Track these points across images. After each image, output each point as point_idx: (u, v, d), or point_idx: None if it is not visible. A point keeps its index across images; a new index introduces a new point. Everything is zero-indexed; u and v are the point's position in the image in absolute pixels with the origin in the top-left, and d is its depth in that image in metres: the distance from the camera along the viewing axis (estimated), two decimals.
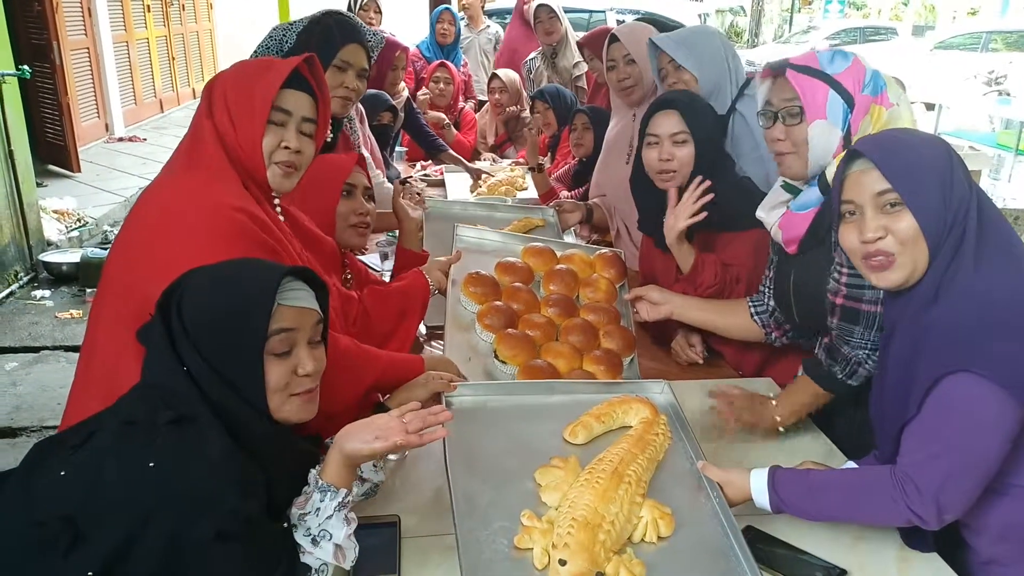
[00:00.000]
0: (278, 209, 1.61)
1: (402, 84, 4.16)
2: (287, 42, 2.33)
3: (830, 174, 1.65)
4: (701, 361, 2.15)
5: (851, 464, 1.57)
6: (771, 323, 1.99)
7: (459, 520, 1.30)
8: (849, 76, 1.65)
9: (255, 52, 2.39)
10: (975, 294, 1.28)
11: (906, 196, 1.31)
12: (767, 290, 1.99)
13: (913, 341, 1.34)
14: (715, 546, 1.34)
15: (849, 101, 1.64)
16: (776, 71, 1.73)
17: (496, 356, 1.95)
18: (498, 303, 2.10)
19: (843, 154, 1.47)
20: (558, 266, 2.30)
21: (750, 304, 2.02)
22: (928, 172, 1.32)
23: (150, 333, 1.20)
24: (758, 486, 1.41)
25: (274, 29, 2.42)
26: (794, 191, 1.79)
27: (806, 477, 1.42)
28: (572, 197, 3.31)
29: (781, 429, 1.77)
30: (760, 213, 1.89)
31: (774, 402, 1.79)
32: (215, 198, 1.44)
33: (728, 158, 2.24)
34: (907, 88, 1.74)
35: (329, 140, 2.25)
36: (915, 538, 1.42)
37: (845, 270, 1.65)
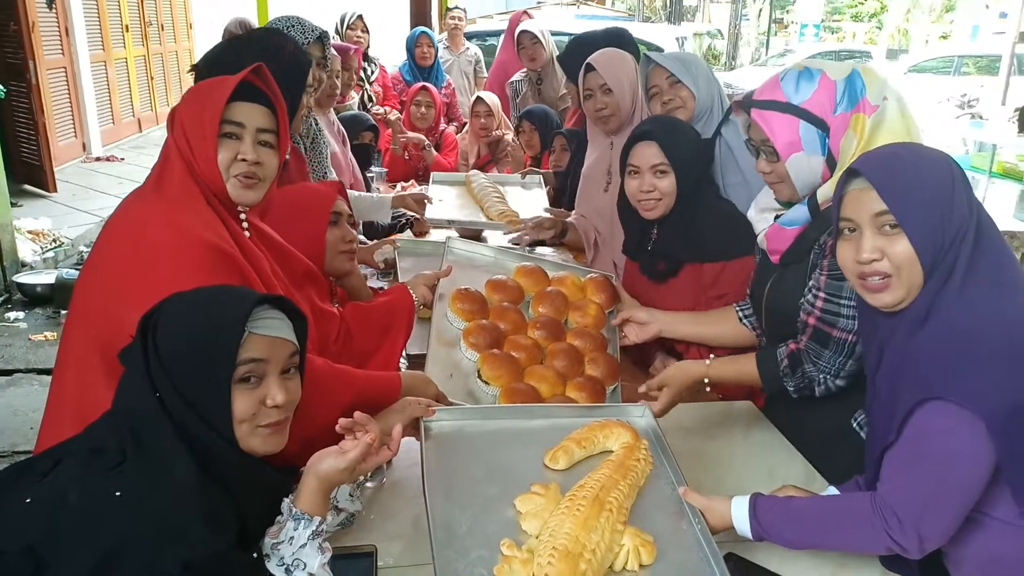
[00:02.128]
0: (244, 225, 1.59)
1: (371, 93, 4.18)
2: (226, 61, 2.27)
3: (821, 194, 1.67)
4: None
5: (832, 490, 1.56)
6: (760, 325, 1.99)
7: (437, 550, 1.28)
8: (817, 100, 1.64)
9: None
10: (956, 321, 1.27)
11: (903, 219, 1.29)
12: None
13: (898, 365, 1.33)
14: (697, 574, 1.33)
15: (822, 126, 1.64)
16: (744, 108, 1.73)
17: (479, 376, 1.93)
18: (485, 322, 2.08)
19: (840, 172, 1.47)
20: (549, 288, 2.29)
21: (737, 309, 2.02)
22: (927, 194, 1.29)
23: (131, 356, 1.18)
24: (739, 514, 1.40)
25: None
26: (786, 204, 1.79)
27: (787, 505, 1.41)
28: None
29: (707, 388, 1.87)
30: (750, 213, 1.90)
31: (709, 359, 1.86)
32: (183, 225, 1.42)
33: (712, 184, 2.26)
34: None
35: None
36: (897, 565, 1.41)
37: (822, 294, 1.66)
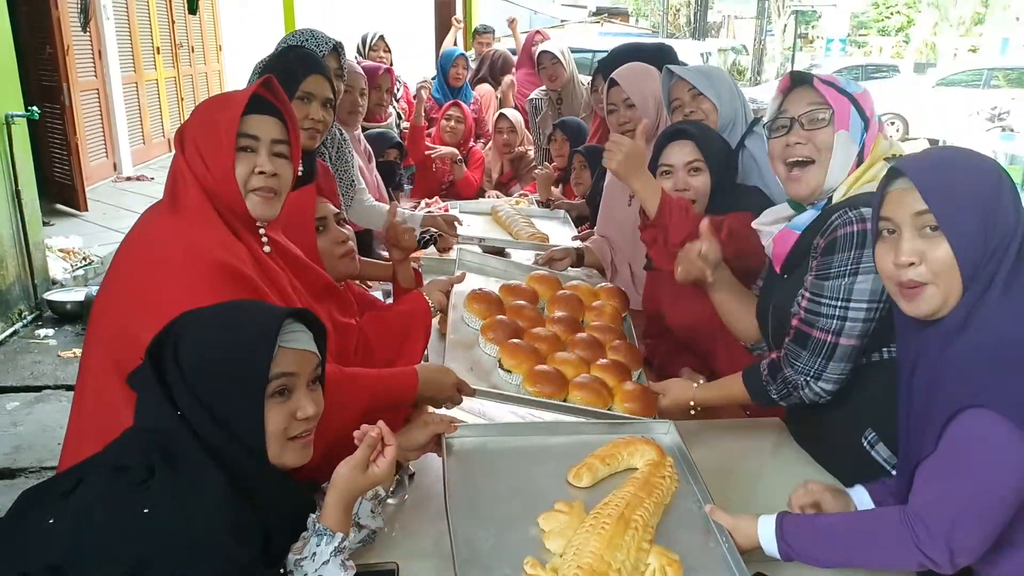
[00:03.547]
0: (264, 239, 1.59)
1: (391, 109, 4.21)
2: (251, 81, 2.34)
3: (838, 194, 1.65)
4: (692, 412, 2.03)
5: (863, 493, 1.52)
6: None
7: (460, 568, 1.26)
8: (865, 100, 1.67)
9: None
10: (998, 328, 1.24)
11: (943, 220, 1.25)
12: None
13: (934, 375, 1.29)
14: None
15: (866, 121, 1.65)
16: (799, 80, 1.71)
17: (501, 366, 1.91)
18: (502, 317, 2.07)
19: (866, 167, 1.52)
20: (562, 292, 2.28)
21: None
22: (971, 198, 1.25)
23: (141, 378, 1.18)
24: (766, 533, 1.37)
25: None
26: (799, 209, 1.77)
27: (814, 522, 1.38)
28: (580, 231, 3.35)
29: (693, 412, 1.88)
30: (759, 222, 1.87)
31: (697, 383, 1.86)
32: (197, 242, 1.43)
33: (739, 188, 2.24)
34: (910, 124, 1.77)
35: (300, 174, 2.23)
36: None
37: (807, 294, 1.65)
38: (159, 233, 1.49)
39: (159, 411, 1.15)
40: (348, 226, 2.10)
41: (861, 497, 1.52)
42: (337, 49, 2.63)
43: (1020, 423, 1.17)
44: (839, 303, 1.59)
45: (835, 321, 1.60)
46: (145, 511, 1.04)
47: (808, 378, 1.65)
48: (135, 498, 1.06)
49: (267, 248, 1.58)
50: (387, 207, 3.28)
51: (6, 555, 1.05)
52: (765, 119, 1.78)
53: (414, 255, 3.05)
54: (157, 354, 1.18)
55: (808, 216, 1.72)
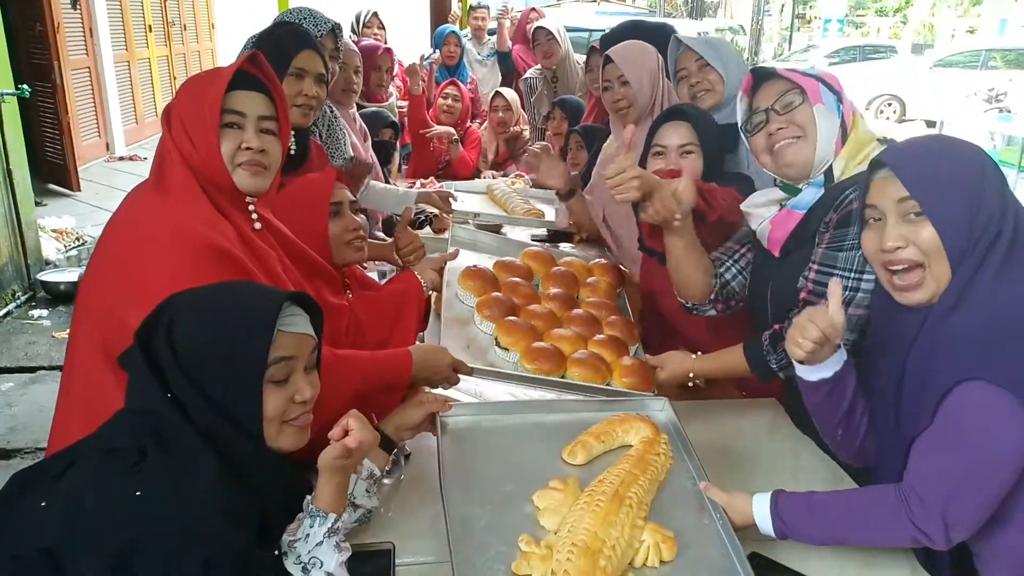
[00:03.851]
0: (254, 216, 1.56)
1: (392, 88, 4.18)
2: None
3: (837, 169, 1.66)
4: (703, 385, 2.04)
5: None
6: (719, 295, 1.94)
7: (455, 546, 1.26)
8: (830, 78, 1.70)
9: None
10: (994, 303, 1.24)
11: (926, 206, 1.27)
12: (731, 264, 1.94)
13: (931, 350, 1.29)
14: (720, 570, 1.30)
15: (838, 95, 1.67)
16: (763, 76, 1.73)
17: (497, 343, 1.90)
18: (498, 294, 2.06)
19: (856, 145, 1.56)
20: (556, 268, 2.28)
21: (718, 265, 1.95)
22: (952, 183, 1.27)
23: (132, 359, 1.16)
24: (761, 511, 1.37)
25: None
26: (793, 191, 1.76)
27: (809, 500, 1.37)
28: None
29: (690, 384, 1.88)
30: (744, 206, 1.84)
31: (696, 355, 1.85)
32: (183, 221, 1.41)
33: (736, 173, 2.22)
34: (907, 105, 1.78)
35: (292, 152, 2.19)
36: (928, 565, 1.37)
37: (815, 266, 1.65)
38: (144, 212, 1.47)
39: (149, 393, 1.13)
40: (362, 215, 2.08)
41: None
42: (335, 31, 2.60)
43: (1016, 394, 1.17)
44: (852, 273, 1.60)
45: (847, 292, 1.59)
46: (137, 494, 1.03)
47: None
48: (127, 481, 1.05)
49: (257, 225, 1.56)
50: (402, 189, 3.27)
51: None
52: (739, 122, 1.78)
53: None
54: (147, 336, 1.16)
55: (810, 195, 1.71)
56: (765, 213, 1.79)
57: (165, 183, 1.47)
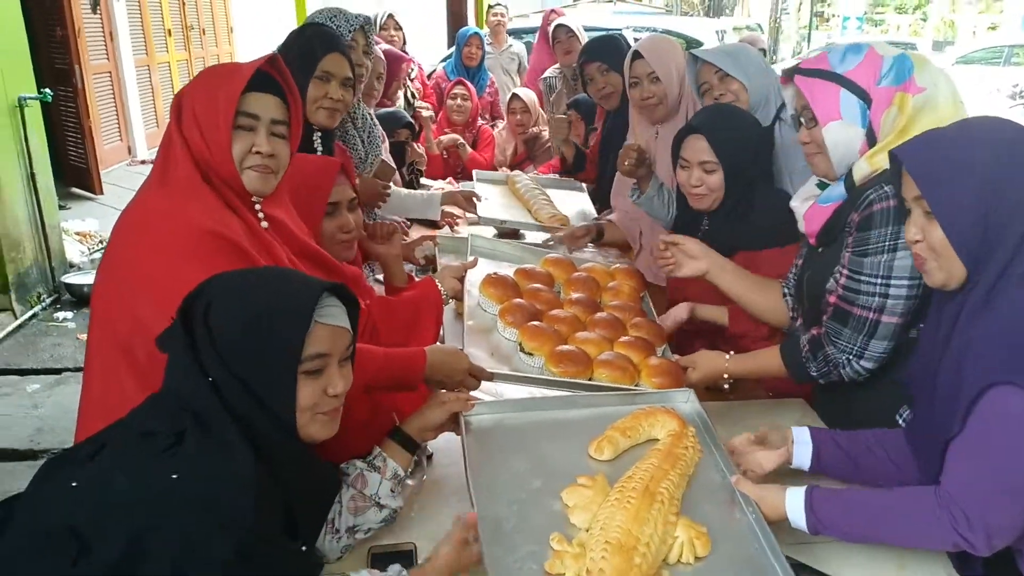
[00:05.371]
0: (261, 215, 1.56)
1: (399, 93, 4.21)
2: None
3: (856, 172, 1.63)
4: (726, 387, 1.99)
5: (804, 433, 1.54)
6: (796, 309, 1.93)
7: (485, 547, 1.24)
8: (862, 71, 1.61)
9: None
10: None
11: (933, 205, 1.26)
12: (790, 275, 1.95)
13: (963, 350, 1.27)
14: (755, 565, 1.28)
15: (864, 97, 1.60)
16: (788, 76, 1.71)
17: (521, 349, 1.89)
18: (520, 300, 2.05)
19: (879, 149, 1.51)
20: (577, 274, 2.26)
21: (784, 285, 1.97)
22: (969, 181, 1.23)
23: (172, 340, 1.16)
24: (794, 505, 1.35)
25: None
26: (824, 186, 1.75)
27: (845, 497, 1.35)
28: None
29: (726, 386, 1.87)
30: (793, 203, 1.85)
31: (729, 355, 1.83)
32: (183, 213, 1.40)
33: (768, 175, 2.20)
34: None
35: (319, 153, 2.19)
36: (965, 566, 1.34)
37: (845, 271, 1.63)
38: (147, 208, 1.46)
39: (188, 375, 1.13)
40: (357, 212, 2.05)
41: (801, 435, 1.53)
42: (364, 28, 2.60)
43: None
44: (879, 280, 1.57)
45: (876, 299, 1.58)
46: (174, 476, 1.03)
47: (851, 356, 1.63)
48: (162, 464, 1.05)
49: (264, 224, 1.55)
50: (426, 193, 3.27)
51: (29, 516, 1.04)
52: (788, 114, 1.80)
53: (429, 233, 3.03)
54: (188, 316, 1.15)
55: (832, 191, 1.70)
56: (802, 208, 1.78)
57: (168, 177, 1.46)
